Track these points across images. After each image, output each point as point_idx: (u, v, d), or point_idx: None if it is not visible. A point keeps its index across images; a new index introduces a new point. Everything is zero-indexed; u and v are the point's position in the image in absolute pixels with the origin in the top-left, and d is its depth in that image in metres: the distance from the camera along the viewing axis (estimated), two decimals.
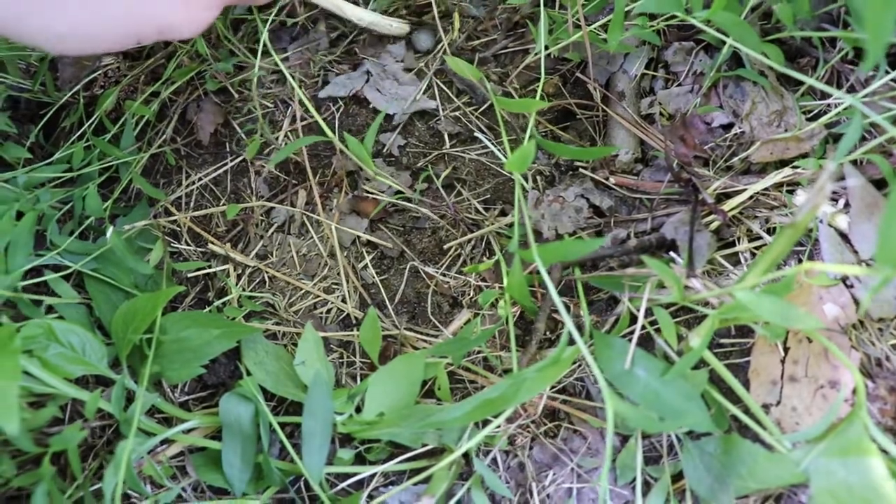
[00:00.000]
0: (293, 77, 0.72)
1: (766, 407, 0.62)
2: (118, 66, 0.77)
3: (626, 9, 0.66)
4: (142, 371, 0.60)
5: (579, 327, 0.64)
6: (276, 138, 0.71)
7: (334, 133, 0.70)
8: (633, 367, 0.55)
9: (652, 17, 0.68)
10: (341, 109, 0.73)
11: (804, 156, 0.67)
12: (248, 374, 0.62)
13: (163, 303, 0.60)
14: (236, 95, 0.73)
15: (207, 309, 0.67)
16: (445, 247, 0.68)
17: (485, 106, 0.72)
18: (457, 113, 0.71)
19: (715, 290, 0.56)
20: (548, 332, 0.64)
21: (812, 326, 0.50)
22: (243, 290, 0.67)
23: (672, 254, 0.64)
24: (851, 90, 0.67)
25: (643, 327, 0.62)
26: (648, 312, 0.62)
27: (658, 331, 0.61)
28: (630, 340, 0.55)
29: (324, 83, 0.74)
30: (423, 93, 0.72)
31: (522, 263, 0.59)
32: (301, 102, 0.72)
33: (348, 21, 0.73)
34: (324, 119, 0.72)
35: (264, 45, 0.66)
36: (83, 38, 0.37)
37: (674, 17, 0.66)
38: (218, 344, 0.61)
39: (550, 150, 0.63)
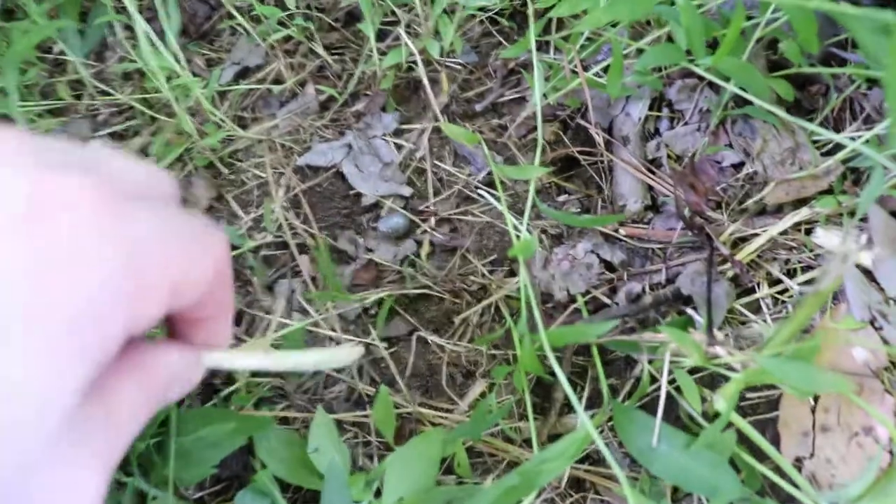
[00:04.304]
0: (282, 146, 0.69)
1: (798, 460, 0.60)
2: (106, 144, 0.75)
3: (625, 51, 0.64)
4: (153, 472, 0.59)
5: (598, 392, 0.62)
6: (273, 210, 0.69)
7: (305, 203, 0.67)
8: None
9: None
10: (329, 179, 0.70)
11: (822, 192, 0.64)
12: (263, 466, 0.60)
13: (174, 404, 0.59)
14: (226, 171, 0.71)
15: (213, 400, 0.65)
16: (453, 318, 0.66)
17: (484, 172, 0.69)
18: (457, 185, 0.68)
19: (737, 355, 0.53)
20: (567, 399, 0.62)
21: (843, 390, 0.47)
22: (250, 374, 0.66)
23: (689, 309, 0.61)
24: (868, 120, 0.64)
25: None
26: (668, 371, 0.60)
27: (678, 389, 0.59)
28: (650, 404, 0.53)
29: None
30: (405, 178, 0.70)
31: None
32: (296, 170, 0.70)
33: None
34: (312, 189, 0.70)
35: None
36: None
37: None
38: (230, 442, 0.59)
39: (556, 219, 0.61)
